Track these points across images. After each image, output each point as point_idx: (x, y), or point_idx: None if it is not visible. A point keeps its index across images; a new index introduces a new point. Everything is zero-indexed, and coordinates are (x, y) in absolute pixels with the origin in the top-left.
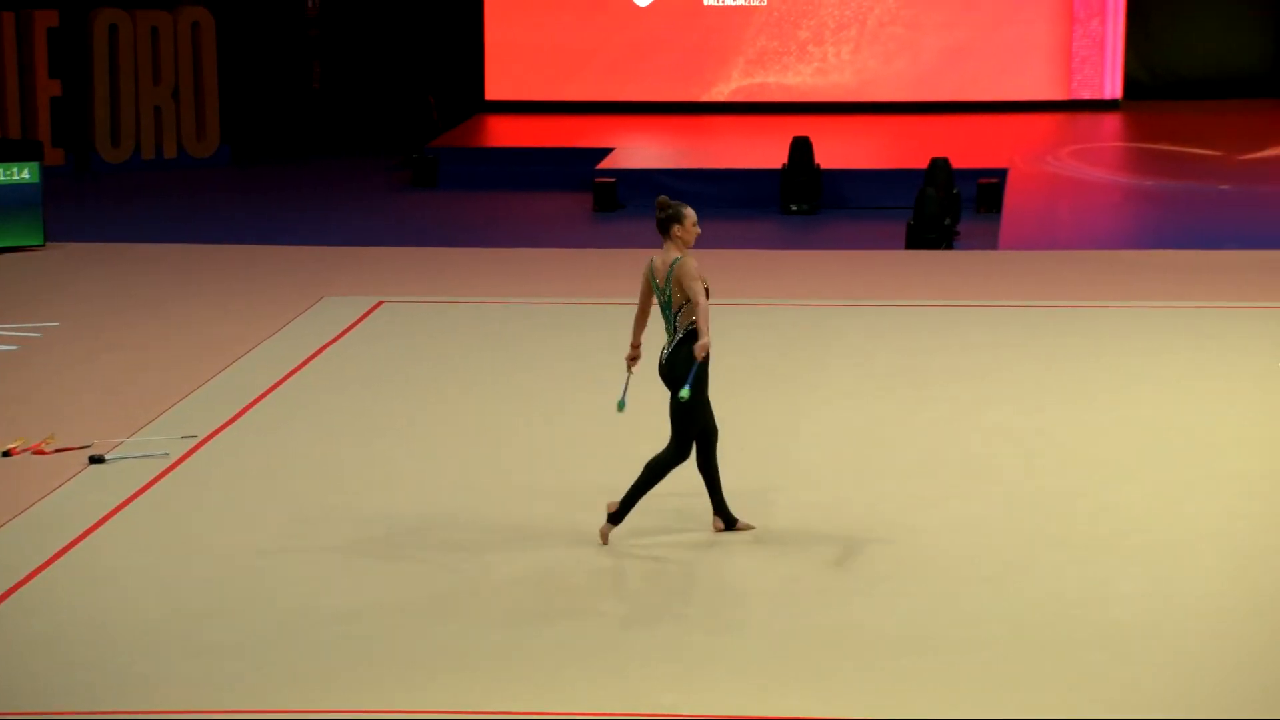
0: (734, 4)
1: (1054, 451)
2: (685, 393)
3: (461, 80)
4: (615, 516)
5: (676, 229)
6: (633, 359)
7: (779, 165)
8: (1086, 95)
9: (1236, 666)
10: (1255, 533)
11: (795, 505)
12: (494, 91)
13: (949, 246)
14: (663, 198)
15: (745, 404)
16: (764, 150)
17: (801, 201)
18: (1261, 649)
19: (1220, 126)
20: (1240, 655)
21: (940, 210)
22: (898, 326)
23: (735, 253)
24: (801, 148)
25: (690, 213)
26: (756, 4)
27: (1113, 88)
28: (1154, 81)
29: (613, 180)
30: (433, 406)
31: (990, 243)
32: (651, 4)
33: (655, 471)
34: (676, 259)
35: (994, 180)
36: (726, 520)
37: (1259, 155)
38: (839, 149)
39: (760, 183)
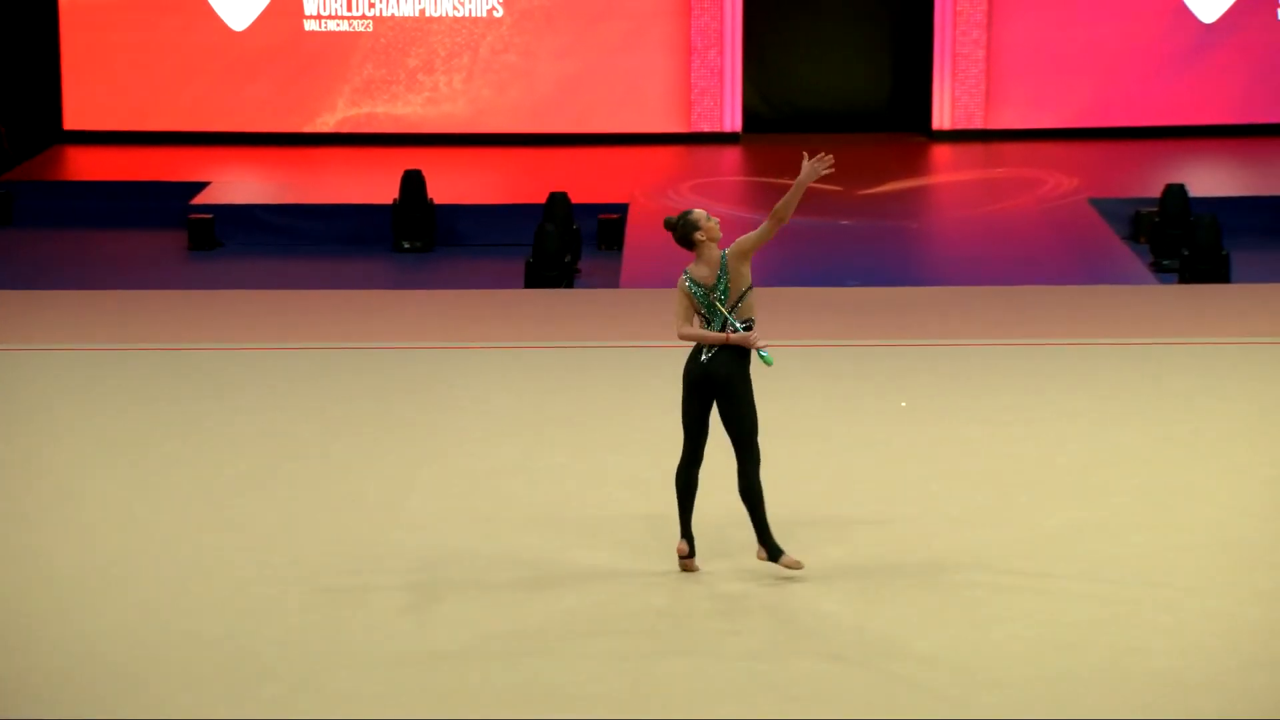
0: (338, 29)
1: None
2: (769, 357)
3: (36, 108)
4: (771, 553)
5: (699, 234)
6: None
7: (390, 200)
8: (706, 128)
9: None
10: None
11: (411, 557)
12: (73, 120)
13: (569, 285)
14: (667, 219)
15: (359, 454)
16: (373, 184)
17: (414, 238)
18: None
19: (840, 161)
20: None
21: (560, 247)
22: (518, 368)
23: (344, 293)
24: (413, 181)
25: (699, 212)
26: (361, 30)
27: (732, 120)
28: (773, 114)
29: (209, 216)
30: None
31: (612, 280)
32: (248, 28)
33: (752, 492)
34: (725, 251)
35: (615, 216)
36: (692, 547)
37: (878, 190)
38: (453, 183)
39: (370, 219)
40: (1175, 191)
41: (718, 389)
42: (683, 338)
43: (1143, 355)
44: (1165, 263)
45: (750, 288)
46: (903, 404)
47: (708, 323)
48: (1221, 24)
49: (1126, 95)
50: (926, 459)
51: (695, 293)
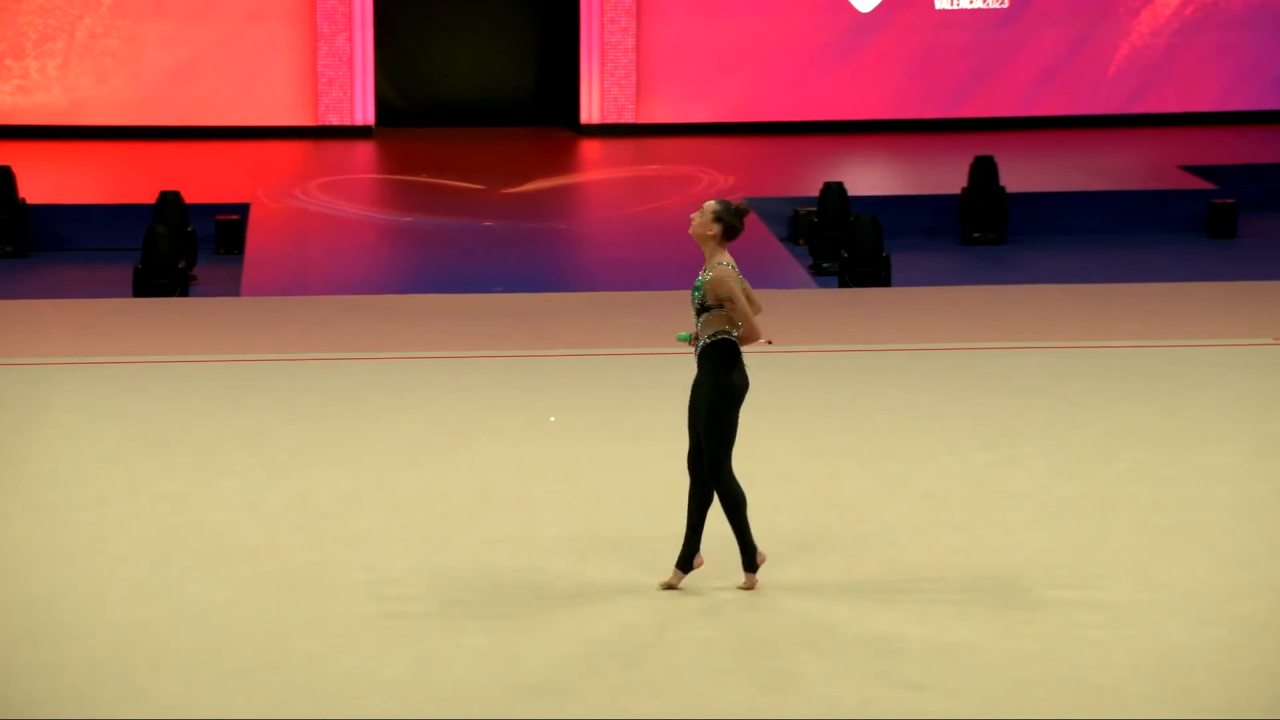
0: None
1: (311, 524)
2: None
3: None
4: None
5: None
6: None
7: None
8: (336, 121)
9: None
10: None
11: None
12: None
13: (184, 293)
14: (726, 205)
15: None
16: None
17: (4, 243)
18: None
19: (482, 157)
20: None
21: (173, 251)
22: (127, 386)
23: None
24: (3, 180)
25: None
26: None
27: (364, 113)
28: (409, 106)
29: None
30: None
31: (231, 288)
32: None
33: (734, 510)
34: (709, 272)
35: (235, 217)
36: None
37: (523, 188)
38: (49, 181)
39: None
40: (834, 190)
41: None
42: (753, 332)
43: (803, 364)
44: (825, 265)
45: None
46: (551, 419)
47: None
48: (878, 15)
49: (782, 89)
50: (566, 478)
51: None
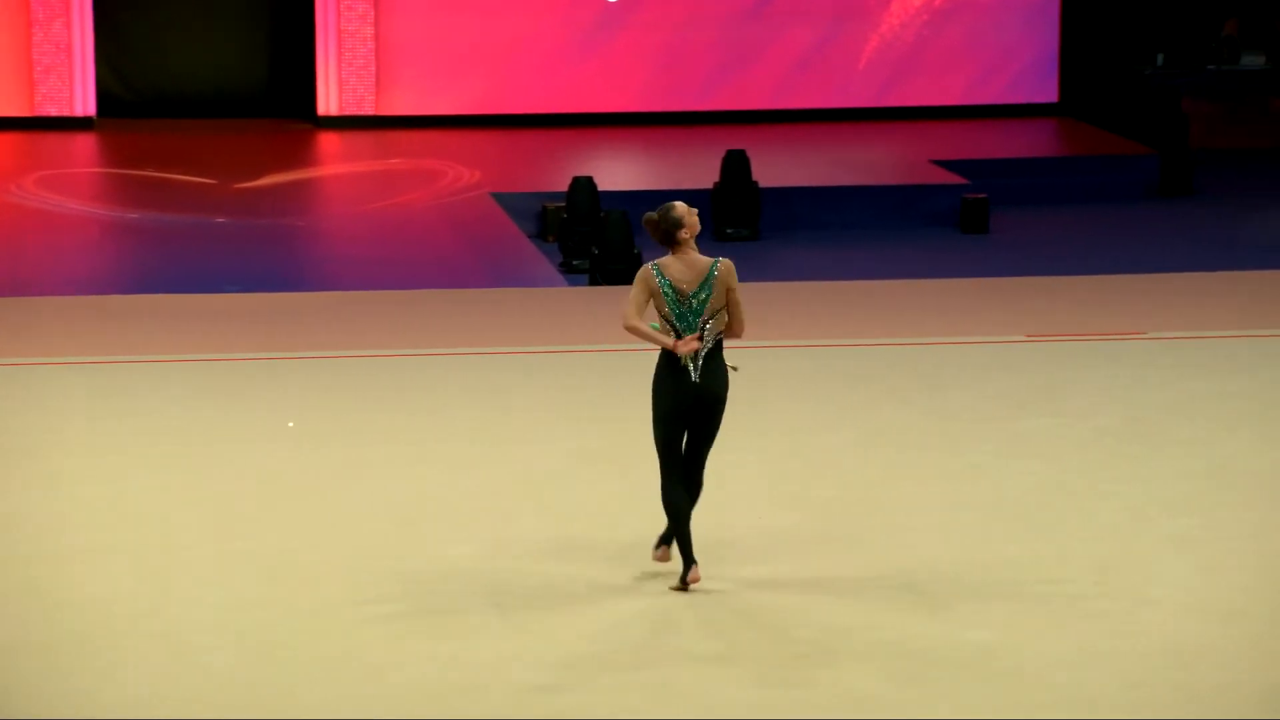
0: None
1: None
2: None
3: None
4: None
5: (683, 232)
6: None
7: None
8: (54, 111)
9: None
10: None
11: None
12: None
13: None
14: (647, 215)
15: None
16: None
17: None
18: None
19: (213, 150)
20: None
21: None
22: None
23: None
24: None
25: (681, 205)
26: None
27: (84, 104)
28: (133, 97)
29: None
30: None
31: None
32: None
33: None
34: (717, 260)
35: None
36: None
37: (258, 183)
38: None
39: None
40: (583, 185)
41: (708, 408)
42: (629, 330)
43: (554, 365)
44: (575, 263)
45: (721, 310)
46: (290, 424)
47: (672, 327)
48: (626, 6)
49: (528, 80)
50: (317, 490)
51: (666, 294)
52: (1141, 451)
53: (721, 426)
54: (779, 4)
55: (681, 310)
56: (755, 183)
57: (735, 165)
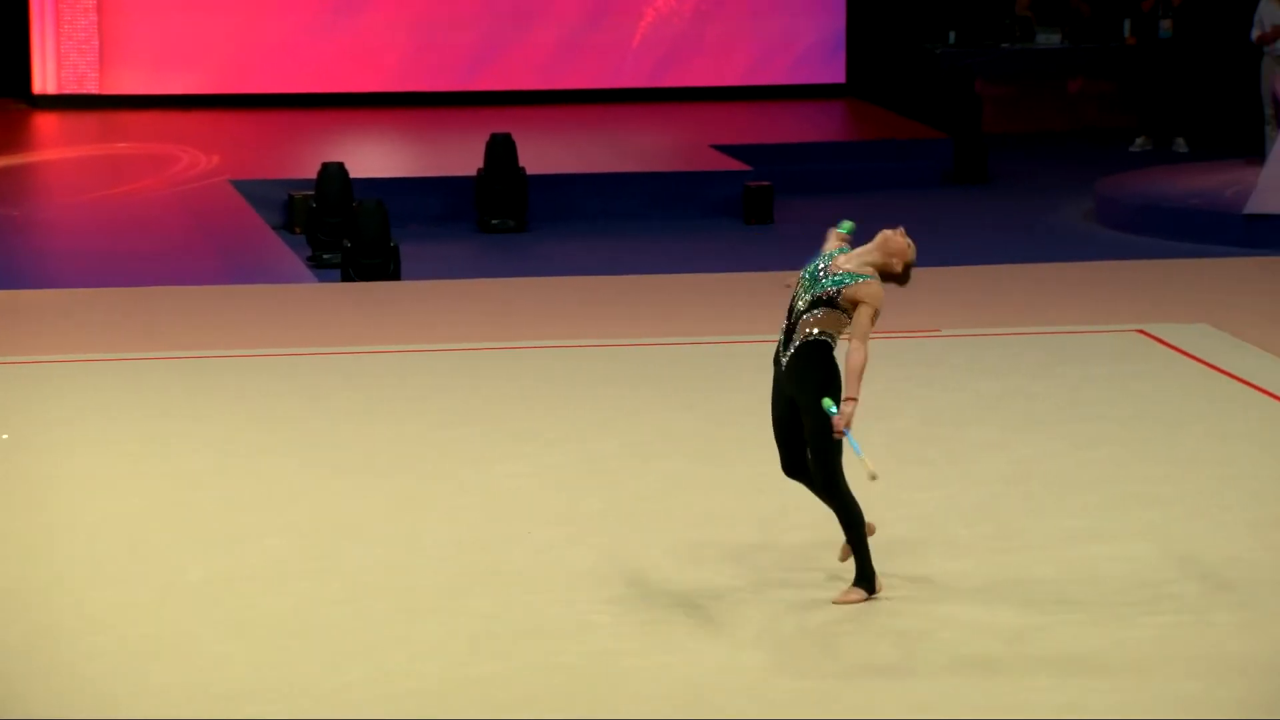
0: None
1: None
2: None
3: None
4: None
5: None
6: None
7: None
8: None
9: None
10: None
11: None
12: None
13: None
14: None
15: None
16: None
17: None
18: None
19: None
20: None
21: None
22: None
23: None
24: None
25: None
26: None
27: None
28: None
29: None
30: None
31: None
32: None
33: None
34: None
35: None
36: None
37: None
38: None
39: None
40: (334, 172)
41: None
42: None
43: (303, 369)
44: (326, 257)
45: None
46: (4, 436)
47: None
48: None
49: (272, 57)
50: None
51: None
52: (936, 456)
53: (491, 432)
54: None
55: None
56: (522, 169)
57: (500, 150)
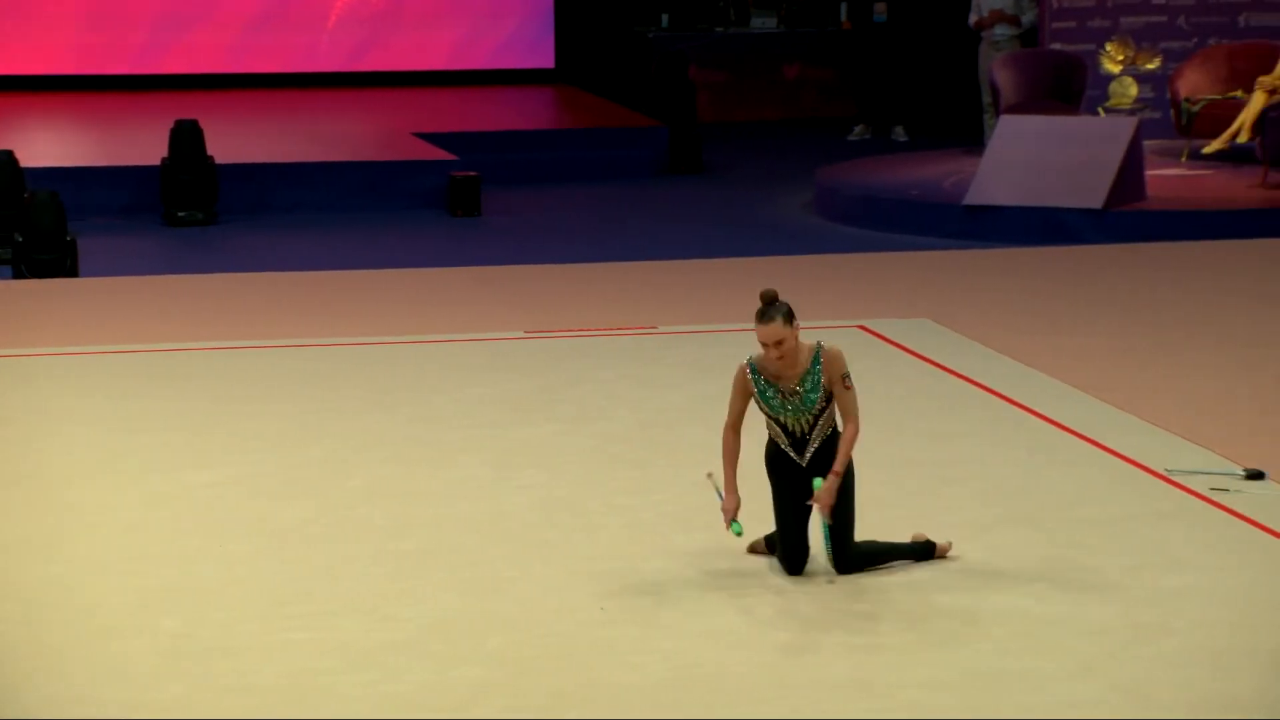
0: None
1: None
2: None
3: None
4: None
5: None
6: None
7: None
8: None
9: None
10: None
11: None
12: None
13: None
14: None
15: None
16: None
17: None
18: None
19: None
20: None
21: None
22: None
23: None
24: None
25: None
26: None
27: None
28: None
29: None
30: None
31: None
32: None
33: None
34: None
35: None
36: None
37: None
38: None
39: None
40: (3, 161)
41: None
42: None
43: None
44: None
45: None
46: None
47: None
48: None
49: None
50: None
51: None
52: (651, 459)
53: (177, 444)
54: None
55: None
56: (210, 158)
57: (186, 138)
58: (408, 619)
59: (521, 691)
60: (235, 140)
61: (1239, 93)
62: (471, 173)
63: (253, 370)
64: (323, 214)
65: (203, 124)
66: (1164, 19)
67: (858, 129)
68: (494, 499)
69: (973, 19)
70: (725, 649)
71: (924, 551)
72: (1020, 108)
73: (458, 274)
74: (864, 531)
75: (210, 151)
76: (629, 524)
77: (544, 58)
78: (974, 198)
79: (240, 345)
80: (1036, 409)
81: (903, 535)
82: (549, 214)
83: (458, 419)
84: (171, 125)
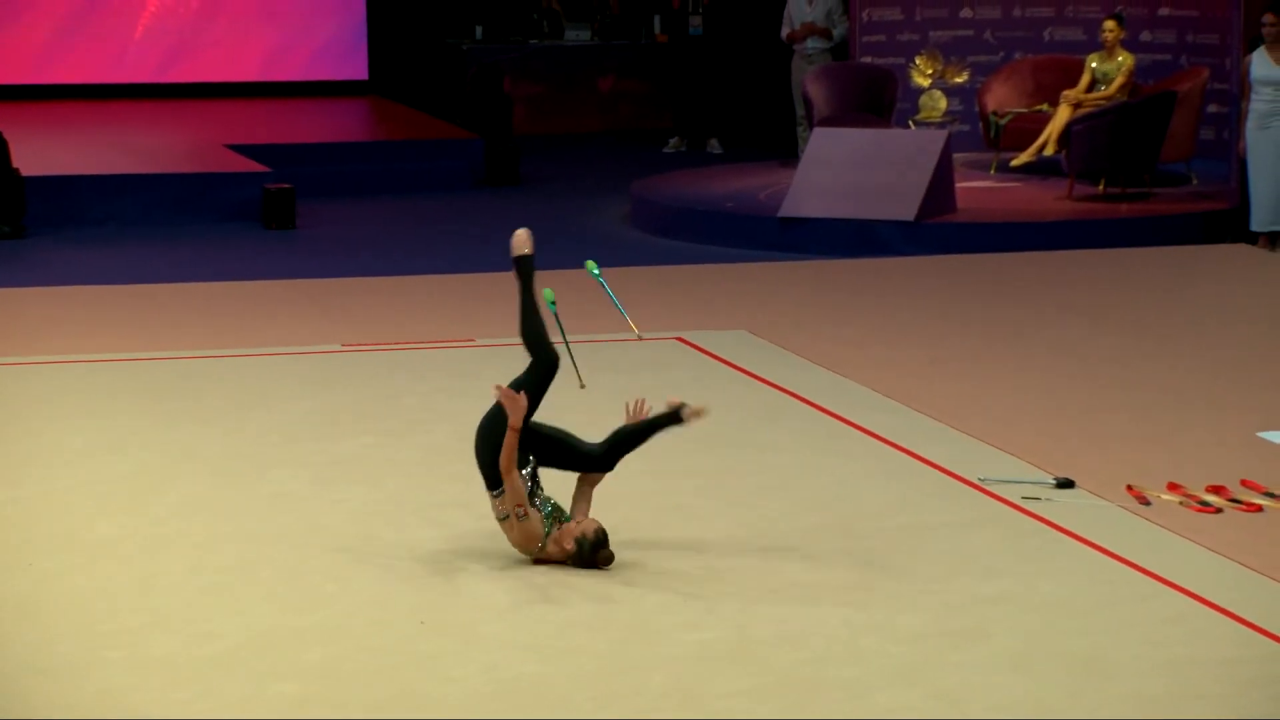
0: None
1: None
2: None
3: None
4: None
5: None
6: None
7: None
8: None
9: None
10: None
11: None
12: None
13: None
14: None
15: None
16: None
17: None
18: None
19: None
20: None
21: None
22: None
23: None
24: None
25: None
26: None
27: None
28: None
29: None
30: None
31: None
32: None
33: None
34: None
35: None
36: None
37: None
38: None
39: None
40: None
41: None
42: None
43: None
44: None
45: None
46: None
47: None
48: None
49: None
50: None
51: None
52: (471, 472)
53: None
54: None
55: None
56: (16, 170)
57: None
58: (224, 634)
59: (341, 705)
60: (42, 152)
61: (1045, 106)
62: (285, 185)
63: (63, 385)
64: (134, 227)
65: (7, 135)
66: (971, 33)
67: (673, 141)
68: (312, 513)
69: (785, 32)
70: (545, 661)
71: (674, 418)
72: (832, 120)
73: (273, 287)
74: (673, 544)
75: (16, 164)
76: (449, 536)
77: (358, 69)
78: (788, 210)
79: (50, 360)
80: (852, 419)
81: (721, 549)
82: (365, 226)
83: (275, 433)
84: None
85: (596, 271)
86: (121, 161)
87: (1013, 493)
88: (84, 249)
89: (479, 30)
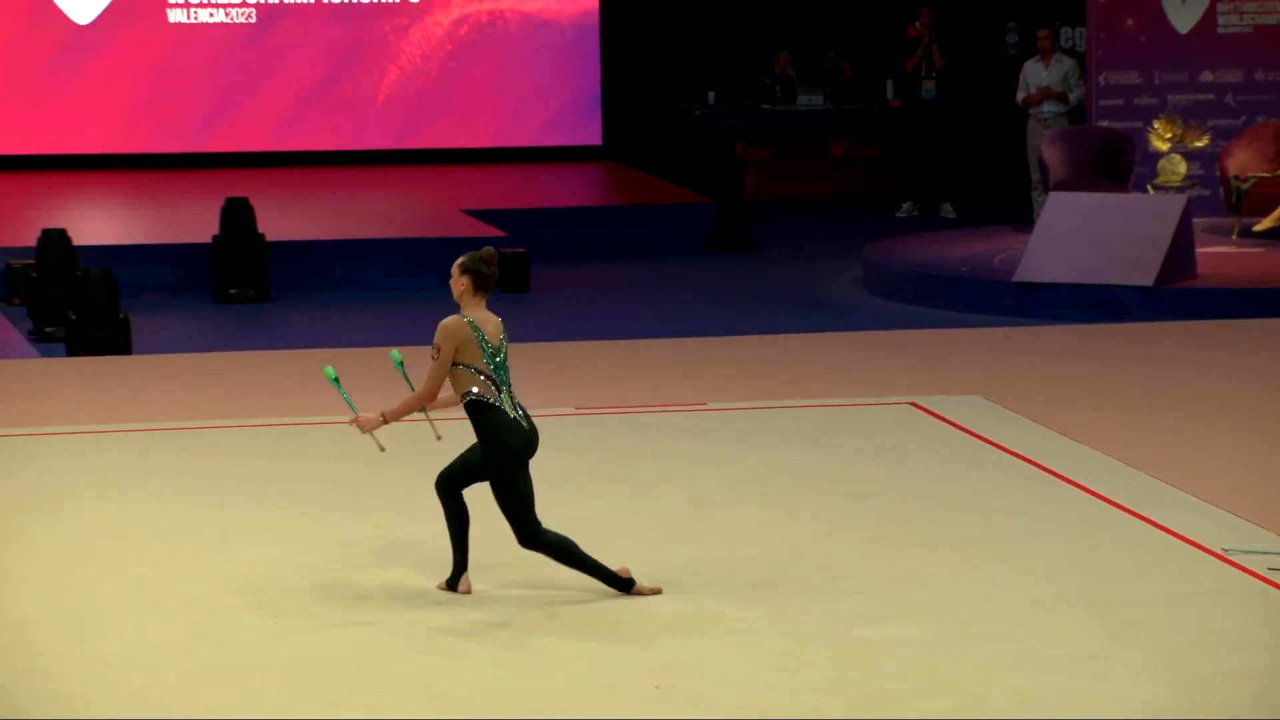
0: None
1: None
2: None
3: None
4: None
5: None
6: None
7: None
8: None
9: None
10: None
11: None
12: None
13: None
14: (469, 261)
15: None
16: None
17: None
18: None
19: None
20: None
21: None
22: None
23: None
24: None
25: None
26: None
27: None
28: None
29: None
30: None
31: None
32: None
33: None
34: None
35: None
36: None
37: None
38: None
39: None
40: (55, 239)
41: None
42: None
43: (20, 450)
44: (49, 330)
45: None
46: None
47: (494, 385)
48: (100, 28)
49: None
50: None
51: (484, 348)
52: (703, 534)
53: (228, 520)
54: (279, 32)
55: (497, 361)
56: (261, 235)
57: (236, 215)
58: (115, 675)
59: None
60: (286, 218)
61: None
62: (520, 249)
63: (308, 446)
64: (374, 290)
65: (253, 202)
66: (1211, 96)
67: (906, 205)
68: (548, 577)
69: (1020, 96)
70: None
71: (621, 582)
72: (1069, 184)
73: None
74: (906, 610)
75: (261, 229)
76: (682, 599)
77: (591, 135)
78: (1024, 274)
79: (294, 422)
80: (1088, 485)
81: (953, 614)
82: (597, 290)
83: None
84: (222, 203)
85: (398, 360)
86: (362, 227)
87: (1258, 563)
88: (326, 312)
89: (711, 96)
